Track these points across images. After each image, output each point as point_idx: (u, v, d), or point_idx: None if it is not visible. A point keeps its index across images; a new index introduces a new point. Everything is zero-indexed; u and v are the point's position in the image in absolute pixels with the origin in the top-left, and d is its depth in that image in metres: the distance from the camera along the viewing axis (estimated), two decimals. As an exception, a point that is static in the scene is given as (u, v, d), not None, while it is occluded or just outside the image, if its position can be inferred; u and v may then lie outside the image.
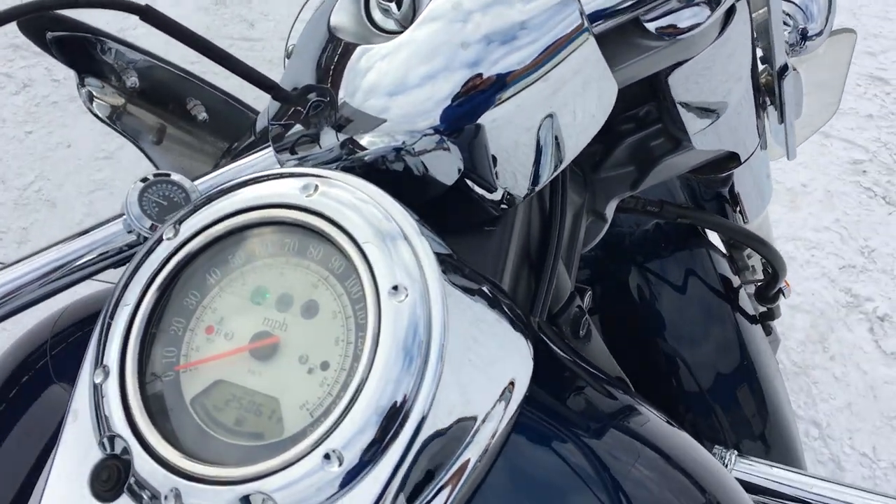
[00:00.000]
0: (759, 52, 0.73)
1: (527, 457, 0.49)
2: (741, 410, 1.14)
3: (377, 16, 0.58)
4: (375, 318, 0.43)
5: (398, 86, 0.53)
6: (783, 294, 1.14)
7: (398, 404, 0.42)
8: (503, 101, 0.53)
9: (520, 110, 0.53)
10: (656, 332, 1.14)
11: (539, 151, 0.56)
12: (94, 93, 0.64)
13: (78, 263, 0.59)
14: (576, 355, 0.62)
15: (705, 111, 0.66)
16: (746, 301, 1.18)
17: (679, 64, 0.60)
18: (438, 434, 0.43)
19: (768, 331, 1.26)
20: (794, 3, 0.78)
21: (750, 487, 0.83)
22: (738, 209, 1.01)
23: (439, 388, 0.43)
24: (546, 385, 0.52)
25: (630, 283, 1.15)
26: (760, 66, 0.73)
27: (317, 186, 0.48)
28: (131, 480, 0.44)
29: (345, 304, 0.46)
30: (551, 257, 0.68)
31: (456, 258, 0.52)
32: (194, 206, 0.51)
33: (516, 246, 0.65)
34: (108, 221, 0.60)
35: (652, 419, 0.56)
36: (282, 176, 0.50)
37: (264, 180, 0.51)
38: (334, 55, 0.57)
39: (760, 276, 1.24)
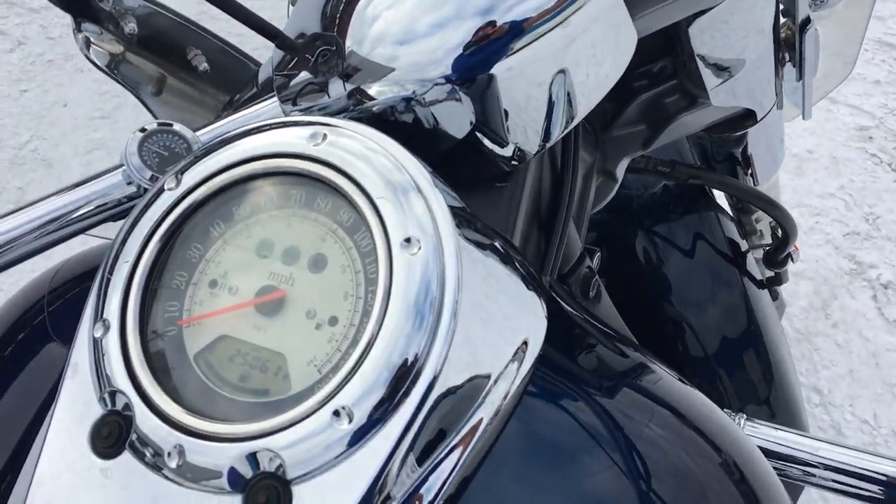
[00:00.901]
0: (781, 6, 0.70)
1: (540, 417, 0.47)
2: (747, 375, 1.13)
3: None
4: (387, 272, 0.42)
5: (407, 33, 0.51)
6: (792, 259, 1.13)
7: (409, 362, 0.40)
8: (517, 51, 0.50)
9: (535, 60, 0.51)
10: (663, 296, 1.13)
11: (552, 106, 0.54)
12: (92, 39, 0.61)
13: (75, 216, 0.57)
14: (588, 314, 0.61)
15: (724, 65, 0.64)
16: (754, 265, 1.17)
17: (700, 14, 0.58)
18: (450, 393, 0.42)
19: (775, 295, 1.25)
20: None
21: None
22: (749, 171, 0.99)
23: (452, 346, 0.42)
24: (559, 344, 0.51)
25: (637, 246, 1.13)
26: (782, 20, 0.70)
27: (325, 135, 0.46)
28: (133, 437, 0.42)
29: (354, 258, 0.44)
30: (562, 216, 0.66)
31: (469, 212, 0.50)
32: (196, 156, 0.49)
33: (527, 203, 0.63)
34: (106, 172, 0.58)
35: (665, 378, 0.55)
36: (288, 125, 0.48)
37: (270, 129, 0.48)
38: (340, 2, 0.54)
39: (768, 240, 1.22)
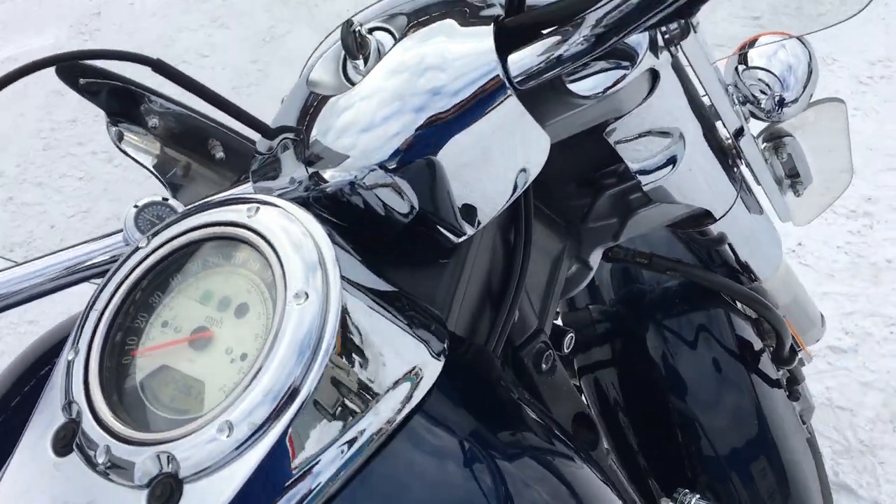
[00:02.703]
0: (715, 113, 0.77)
1: (409, 450, 0.54)
2: (758, 480, 1.13)
3: (350, 72, 0.67)
4: (280, 318, 0.51)
5: (358, 127, 0.62)
6: (802, 359, 1.14)
7: (287, 388, 0.49)
8: (441, 146, 0.60)
9: (452, 156, 0.60)
10: (672, 392, 1.15)
11: (476, 194, 0.63)
12: (124, 133, 0.75)
13: (83, 266, 0.69)
14: (517, 387, 0.68)
15: (649, 168, 0.71)
16: (769, 365, 1.18)
17: (611, 122, 0.66)
18: (323, 415, 0.50)
19: (795, 395, 1.25)
20: (772, 72, 0.82)
21: None
22: (742, 268, 1.03)
23: (329, 374, 0.51)
24: (456, 392, 0.58)
25: (648, 340, 1.17)
26: (725, 129, 0.77)
27: (258, 209, 0.57)
28: (80, 439, 0.53)
29: (268, 307, 0.54)
30: (510, 293, 0.73)
31: (371, 275, 0.59)
32: (167, 222, 0.61)
33: (469, 277, 0.71)
34: (109, 234, 0.71)
35: (559, 461, 0.61)
36: (237, 200, 0.59)
37: (222, 203, 0.60)
38: (311, 104, 0.66)
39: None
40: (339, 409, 0.51)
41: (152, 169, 0.79)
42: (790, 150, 0.93)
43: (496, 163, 0.62)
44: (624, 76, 0.59)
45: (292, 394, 0.49)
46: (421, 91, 0.60)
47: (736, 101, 0.83)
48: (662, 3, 0.49)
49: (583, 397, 1.25)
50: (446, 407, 0.58)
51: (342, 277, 0.54)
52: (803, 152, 0.94)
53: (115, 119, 0.74)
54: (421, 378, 0.56)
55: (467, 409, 0.60)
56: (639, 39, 0.58)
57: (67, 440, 0.54)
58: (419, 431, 0.55)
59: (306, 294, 0.52)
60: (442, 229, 0.65)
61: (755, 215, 0.93)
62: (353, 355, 0.52)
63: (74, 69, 0.70)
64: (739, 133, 0.76)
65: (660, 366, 1.16)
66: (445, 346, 0.60)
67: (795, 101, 0.82)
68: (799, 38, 0.86)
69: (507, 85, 0.58)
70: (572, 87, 0.60)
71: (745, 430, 1.14)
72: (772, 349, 1.15)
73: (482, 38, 0.59)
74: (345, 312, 0.53)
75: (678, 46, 0.60)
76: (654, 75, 0.63)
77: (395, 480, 0.53)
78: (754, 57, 0.83)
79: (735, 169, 0.81)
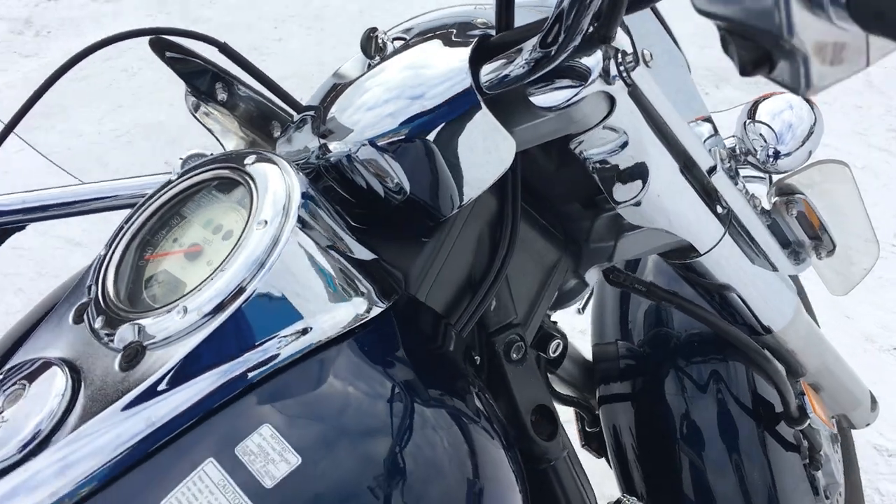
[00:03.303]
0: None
1: (326, 367, 0.65)
2: None
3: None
4: (244, 238, 0.64)
5: (362, 108, 0.75)
6: (810, 420, 1.13)
7: (235, 287, 0.62)
8: (419, 135, 0.71)
9: (431, 143, 0.71)
10: (682, 440, 1.17)
11: (449, 181, 0.74)
12: (200, 104, 0.92)
13: (135, 194, 0.86)
14: (467, 366, 0.76)
15: (623, 186, 0.79)
16: (786, 428, 1.18)
17: (574, 136, 0.74)
18: (263, 316, 0.63)
19: (816, 464, 1.22)
20: (770, 126, 0.88)
21: None
22: (752, 316, 1.05)
23: (275, 286, 0.63)
24: (385, 336, 0.69)
25: (665, 384, 1.20)
26: (704, 164, 0.83)
27: (257, 159, 0.71)
28: (89, 311, 0.67)
29: (241, 231, 0.67)
30: (489, 280, 0.82)
31: (341, 230, 0.71)
32: (194, 165, 0.76)
33: (448, 259, 0.80)
34: (160, 174, 0.87)
35: (463, 421, 0.69)
36: (248, 154, 0.73)
37: (239, 156, 0.74)
38: (332, 90, 0.80)
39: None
40: (277, 315, 0.63)
41: (218, 137, 0.95)
42: (801, 207, 0.96)
43: (468, 155, 0.72)
44: (576, 94, 0.68)
45: (238, 293, 0.62)
46: (415, 85, 0.72)
47: (732, 152, 0.90)
48: (576, 30, 0.61)
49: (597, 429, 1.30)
50: (375, 345, 0.68)
51: (301, 220, 0.66)
52: (817, 211, 0.97)
53: (193, 91, 0.91)
54: (359, 315, 0.67)
55: (394, 354, 0.70)
56: (592, 64, 0.67)
57: (82, 312, 0.68)
58: (343, 354, 0.66)
59: (265, 222, 0.64)
60: (428, 209, 0.76)
61: (759, 265, 0.97)
62: (296, 275, 0.64)
63: (163, 43, 0.86)
64: (712, 170, 0.82)
65: (673, 413, 1.18)
66: (393, 299, 0.70)
67: (790, 154, 0.87)
68: (807, 101, 0.91)
69: (475, 90, 0.69)
70: (533, 99, 0.70)
71: (754, 495, 1.13)
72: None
73: (464, 51, 0.70)
74: (297, 245, 0.65)
75: (629, 76, 0.69)
76: (612, 100, 0.71)
77: (311, 387, 0.64)
78: (761, 112, 0.89)
79: (719, 207, 0.87)
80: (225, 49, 0.79)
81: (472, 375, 0.77)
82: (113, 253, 0.71)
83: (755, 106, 0.89)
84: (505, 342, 0.85)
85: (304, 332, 0.64)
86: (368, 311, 0.68)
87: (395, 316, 0.71)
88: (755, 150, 0.88)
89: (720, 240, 0.88)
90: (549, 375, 1.24)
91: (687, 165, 0.81)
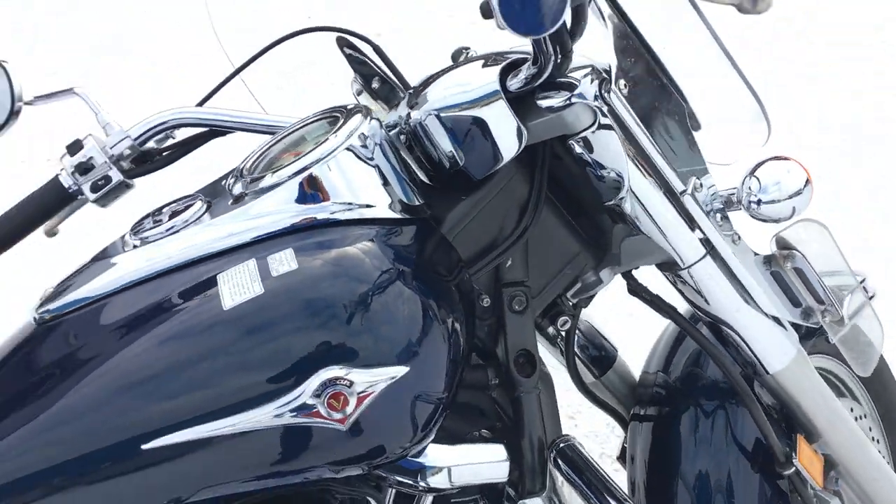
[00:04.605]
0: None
1: (344, 239, 0.96)
2: None
3: None
4: (322, 143, 1.01)
5: (439, 87, 1.08)
6: (798, 471, 1.19)
7: (305, 165, 0.99)
8: (461, 112, 1.03)
9: (466, 119, 1.02)
10: (692, 475, 1.28)
11: (483, 146, 1.01)
12: (362, 90, 1.31)
13: (278, 125, 1.28)
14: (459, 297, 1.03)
15: (609, 185, 1.04)
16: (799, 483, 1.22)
17: (570, 136, 1.03)
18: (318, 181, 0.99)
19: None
20: (757, 178, 1.04)
21: None
22: (750, 350, 1.15)
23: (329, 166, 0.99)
24: (393, 237, 1.00)
25: (682, 420, 1.32)
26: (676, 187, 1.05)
27: (354, 110, 1.07)
28: (228, 179, 1.10)
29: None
30: (510, 242, 1.07)
31: (393, 161, 1.06)
32: (322, 110, 1.15)
33: (477, 217, 1.05)
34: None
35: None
36: (357, 107, 1.10)
37: (349, 107, 1.11)
38: (433, 75, 1.13)
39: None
40: (330, 188, 0.98)
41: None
42: (799, 263, 1.09)
43: (491, 129, 1.00)
44: (567, 100, 0.98)
45: (304, 169, 0.99)
46: (468, 80, 1.05)
47: (728, 199, 1.09)
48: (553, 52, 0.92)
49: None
50: (382, 238, 0.97)
51: (356, 138, 1.02)
52: (813, 271, 1.09)
53: (361, 79, 1.31)
54: (391, 211, 1.00)
55: (411, 257, 0.99)
56: (578, 77, 0.96)
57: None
58: (366, 234, 0.97)
59: (336, 135, 1.02)
60: (466, 170, 1.04)
61: (752, 307, 1.11)
62: (348, 169, 1.00)
63: (344, 42, 1.28)
64: (682, 193, 1.06)
65: (682, 448, 1.30)
66: (412, 215, 1.01)
67: (771, 203, 1.02)
68: (804, 170, 1.09)
69: (500, 89, 1.01)
70: (539, 102, 1.00)
71: None
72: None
73: (499, 67, 1.02)
74: (350, 150, 1.01)
75: (607, 95, 0.96)
76: (595, 114, 1.00)
77: (336, 244, 0.96)
78: (759, 169, 1.07)
79: (698, 232, 1.08)
80: (376, 48, 1.21)
81: (460, 308, 1.01)
82: (259, 152, 1.11)
83: (757, 165, 1.09)
84: (511, 294, 1.08)
85: (350, 206, 0.99)
86: (385, 211, 1.01)
87: (421, 233, 1.01)
88: (742, 195, 1.06)
89: (699, 260, 1.07)
90: (592, 379, 1.44)
91: (659, 184, 1.05)
